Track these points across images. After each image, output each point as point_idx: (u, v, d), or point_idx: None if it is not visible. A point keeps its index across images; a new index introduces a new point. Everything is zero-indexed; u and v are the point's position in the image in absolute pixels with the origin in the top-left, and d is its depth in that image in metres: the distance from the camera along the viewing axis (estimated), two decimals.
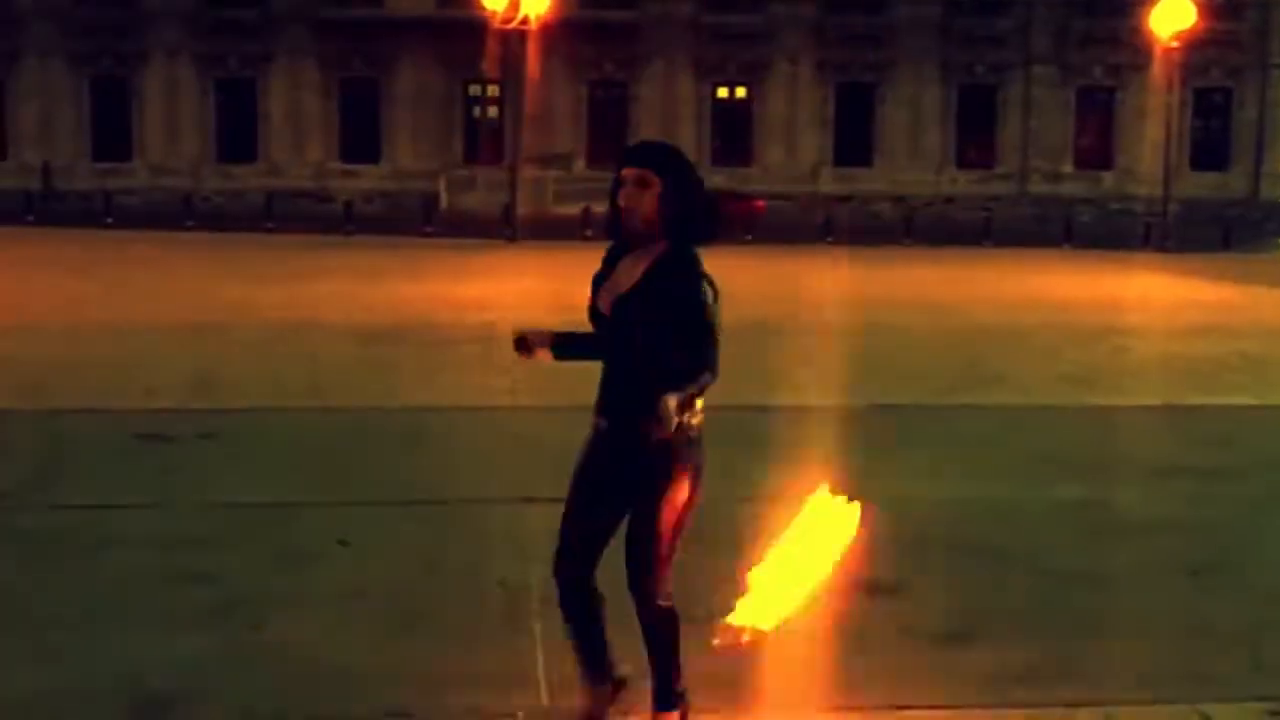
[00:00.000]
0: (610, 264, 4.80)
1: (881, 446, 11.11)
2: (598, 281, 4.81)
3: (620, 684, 5.02)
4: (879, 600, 6.95)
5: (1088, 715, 5.40)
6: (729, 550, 7.75)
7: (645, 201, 4.64)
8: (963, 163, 54.91)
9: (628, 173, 4.68)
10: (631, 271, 4.70)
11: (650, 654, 4.89)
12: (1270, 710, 5.47)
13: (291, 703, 5.43)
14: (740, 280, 27.29)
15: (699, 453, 4.72)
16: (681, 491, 4.71)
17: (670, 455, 4.63)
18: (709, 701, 5.32)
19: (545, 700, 5.00)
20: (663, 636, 4.86)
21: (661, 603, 4.81)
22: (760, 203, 46.39)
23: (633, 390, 4.61)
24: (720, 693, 5.49)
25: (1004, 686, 5.72)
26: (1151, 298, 26.52)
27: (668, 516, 4.72)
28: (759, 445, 10.88)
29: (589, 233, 35.48)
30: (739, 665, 5.85)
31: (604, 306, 4.72)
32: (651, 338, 4.59)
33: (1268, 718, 5.42)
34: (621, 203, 4.67)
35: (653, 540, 4.74)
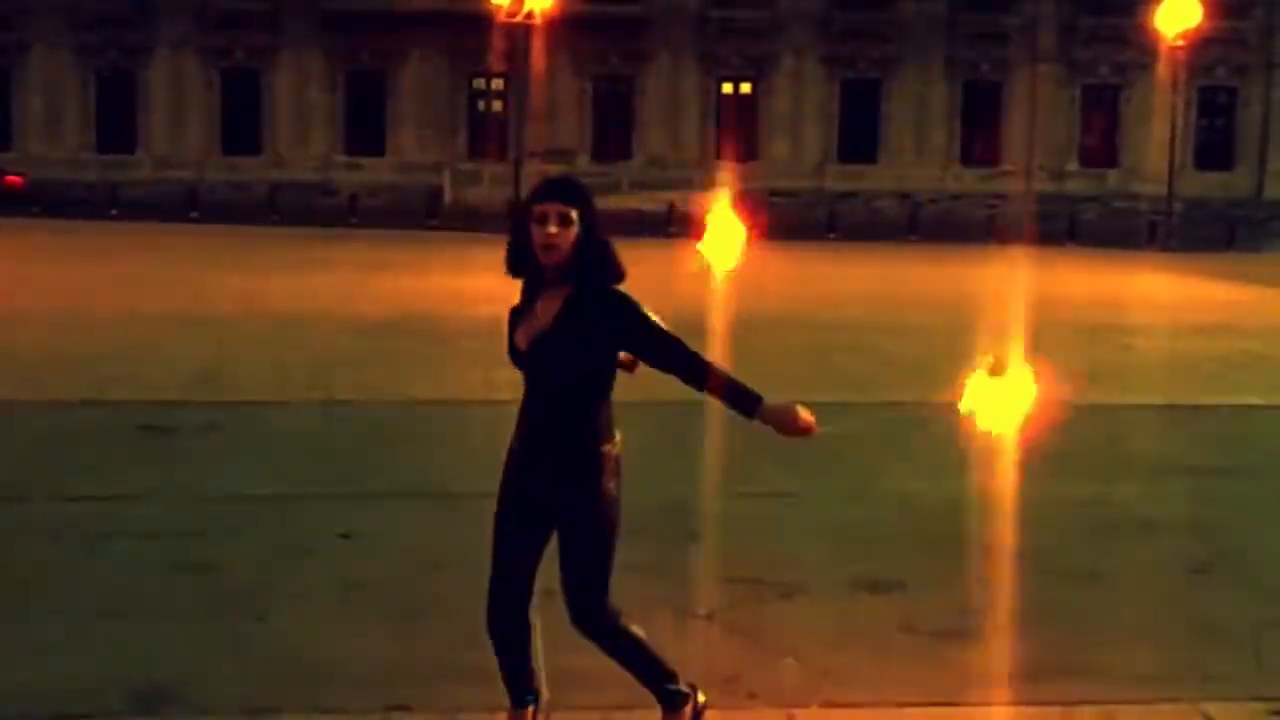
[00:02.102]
0: (529, 300, 4.66)
1: (885, 443, 11.10)
2: (515, 317, 4.68)
3: (549, 708, 5.03)
4: (880, 596, 6.95)
5: (1089, 713, 5.40)
6: (728, 547, 7.78)
7: (566, 239, 4.52)
8: (968, 160, 54.85)
9: (549, 208, 4.53)
10: (548, 310, 4.60)
11: (629, 670, 4.90)
12: (1272, 710, 5.47)
13: (292, 695, 5.44)
14: (743, 275, 27.29)
15: (619, 472, 4.73)
16: (615, 509, 4.71)
17: (603, 475, 4.65)
18: (712, 697, 5.32)
19: (545, 694, 5.00)
20: (626, 647, 4.84)
21: (610, 618, 4.79)
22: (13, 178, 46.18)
23: (557, 422, 4.63)
24: (721, 689, 5.49)
25: (1006, 684, 5.72)
26: (1155, 296, 26.50)
27: (609, 533, 4.72)
28: (760, 442, 10.87)
29: None
30: (743, 661, 5.85)
31: (520, 344, 4.63)
32: (570, 377, 4.59)
33: (1269, 717, 5.42)
34: (544, 240, 4.51)
35: (599, 556, 4.73)
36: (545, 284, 4.61)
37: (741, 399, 4.62)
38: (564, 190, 4.60)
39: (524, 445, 4.72)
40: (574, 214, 4.53)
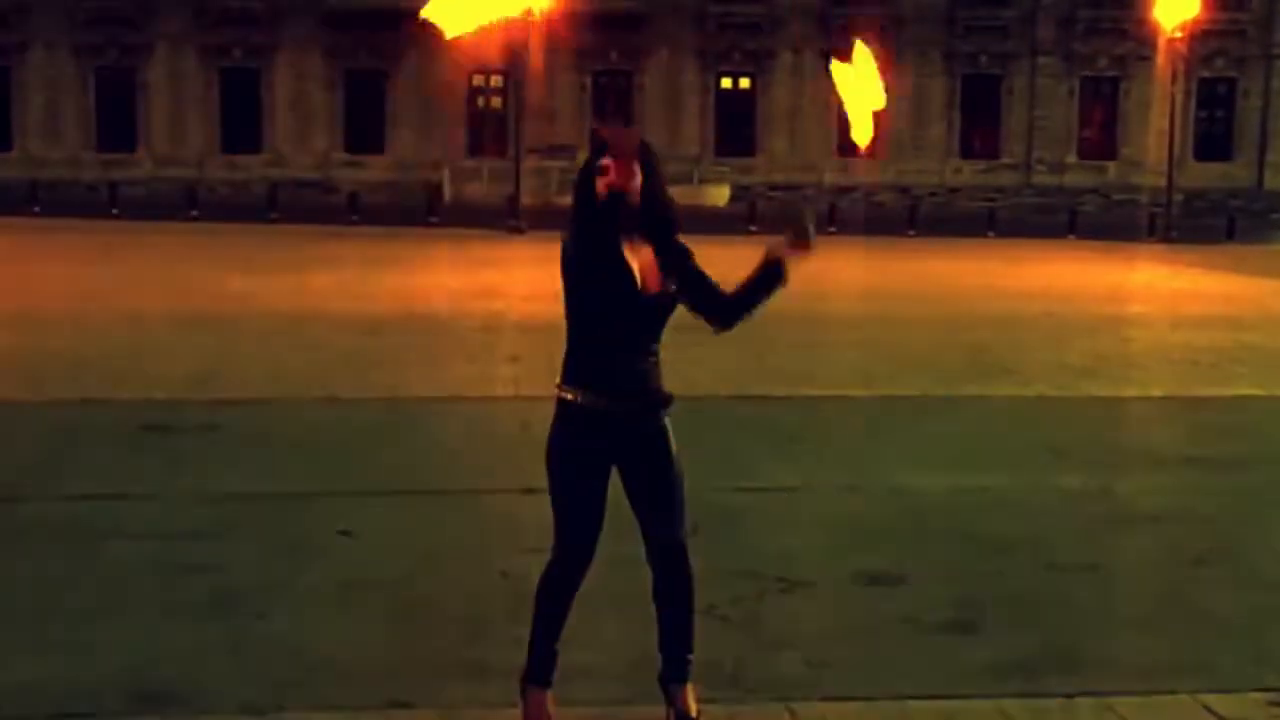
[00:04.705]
0: (609, 245, 4.71)
1: (885, 436, 11.11)
2: (613, 262, 4.71)
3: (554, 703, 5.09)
4: (881, 590, 6.96)
5: (1088, 706, 5.40)
6: (728, 540, 7.78)
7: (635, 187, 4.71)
8: (967, 153, 54.87)
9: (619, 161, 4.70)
10: (645, 255, 4.73)
11: (676, 620, 4.96)
12: (1271, 701, 5.47)
13: (292, 693, 5.44)
14: (743, 270, 27.28)
15: None
16: None
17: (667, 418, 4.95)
18: (711, 691, 5.33)
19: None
20: (693, 591, 4.97)
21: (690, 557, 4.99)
22: None
23: (645, 365, 4.84)
24: (721, 682, 5.50)
25: (1005, 677, 5.73)
26: (1155, 288, 26.50)
27: (682, 473, 4.96)
28: (762, 435, 10.89)
29: None
30: (742, 654, 5.86)
31: (656, 286, 4.73)
32: (669, 313, 4.87)
33: (1269, 709, 5.42)
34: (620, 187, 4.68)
35: (681, 491, 4.93)
36: (619, 232, 4.71)
37: (766, 283, 4.97)
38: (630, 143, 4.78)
39: (610, 391, 4.80)
40: (638, 165, 4.72)
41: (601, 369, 4.80)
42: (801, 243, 4.93)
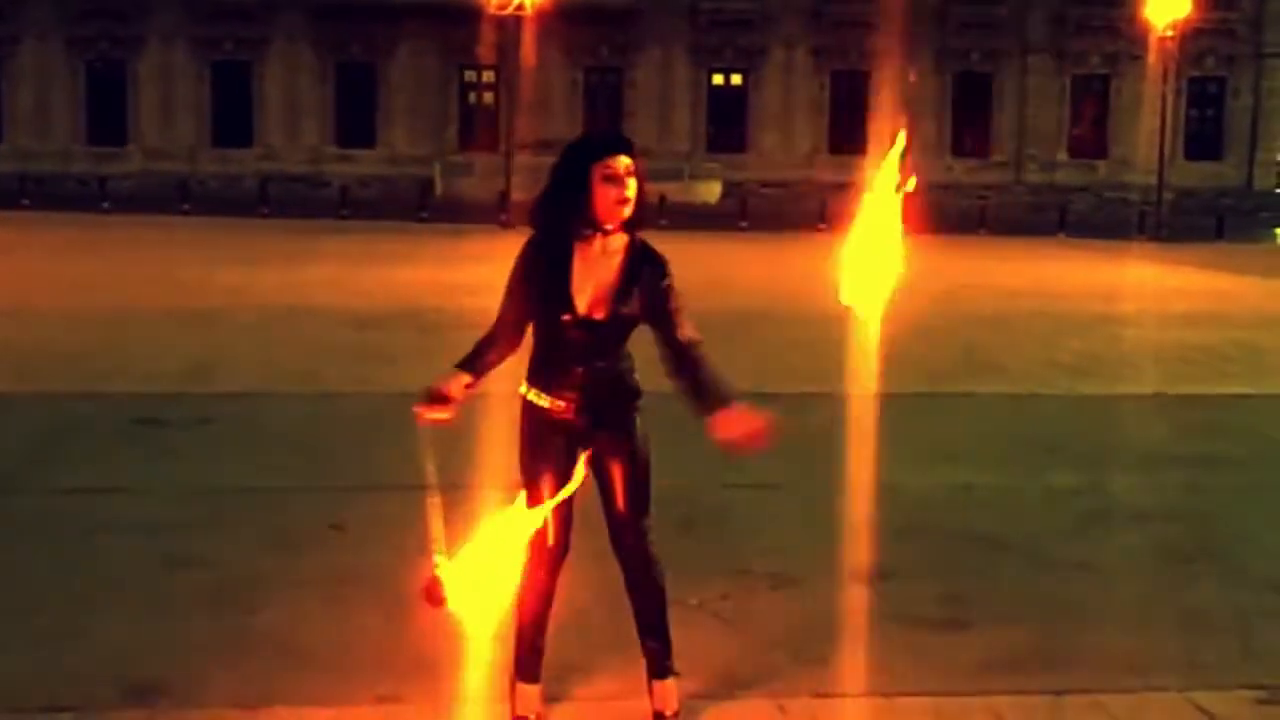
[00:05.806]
0: (562, 257, 4.66)
1: (876, 434, 11.12)
2: (554, 284, 4.65)
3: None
4: (871, 586, 6.96)
5: (1078, 702, 5.42)
6: (718, 538, 7.80)
7: (633, 192, 4.60)
8: (958, 151, 54.89)
9: (619, 164, 4.59)
10: (604, 268, 4.66)
11: (648, 615, 4.95)
12: (1260, 698, 5.49)
13: (283, 687, 5.44)
14: (734, 268, 27.39)
15: None
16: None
17: (639, 401, 4.87)
18: (701, 687, 5.34)
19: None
20: (662, 587, 4.97)
21: (656, 549, 4.97)
22: None
23: (610, 372, 4.75)
24: (712, 679, 5.50)
25: (995, 673, 5.74)
26: (1146, 286, 26.53)
27: (649, 463, 4.91)
28: None
29: None
30: (732, 651, 5.87)
31: (597, 312, 4.64)
32: (632, 324, 4.75)
33: (1258, 705, 5.44)
34: (621, 197, 4.57)
35: (646, 482, 4.91)
36: (588, 238, 4.64)
37: (706, 397, 4.71)
38: (626, 143, 4.68)
39: (571, 397, 4.74)
40: (634, 166, 4.62)
41: (563, 377, 4.73)
42: (744, 446, 4.72)
